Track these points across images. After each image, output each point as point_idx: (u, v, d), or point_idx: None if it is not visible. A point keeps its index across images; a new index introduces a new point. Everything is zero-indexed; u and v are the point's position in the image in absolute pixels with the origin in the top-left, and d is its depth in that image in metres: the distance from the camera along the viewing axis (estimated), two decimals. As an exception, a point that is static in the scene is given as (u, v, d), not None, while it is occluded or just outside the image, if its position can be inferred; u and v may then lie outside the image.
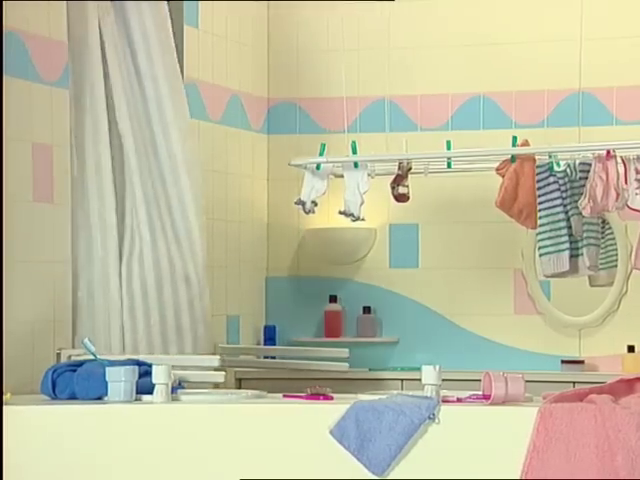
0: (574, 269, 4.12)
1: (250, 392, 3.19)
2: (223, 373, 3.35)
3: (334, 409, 2.88)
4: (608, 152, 3.86)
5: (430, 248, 5.10)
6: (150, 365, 3.08)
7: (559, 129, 4.84)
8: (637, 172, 3.85)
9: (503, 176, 4.04)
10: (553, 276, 4.21)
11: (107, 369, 3.05)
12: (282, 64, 5.19)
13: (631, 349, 4.76)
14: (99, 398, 3.07)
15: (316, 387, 3.15)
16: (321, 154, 4.10)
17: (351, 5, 5.02)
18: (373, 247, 5.14)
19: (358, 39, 5.08)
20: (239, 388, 4.53)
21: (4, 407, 3.00)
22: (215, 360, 3.43)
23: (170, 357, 3.55)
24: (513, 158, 3.99)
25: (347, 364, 4.61)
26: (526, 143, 4.05)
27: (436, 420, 2.79)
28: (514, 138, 4.02)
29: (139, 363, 3.12)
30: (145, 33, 3.91)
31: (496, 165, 4.03)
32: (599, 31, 4.85)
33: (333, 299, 5.14)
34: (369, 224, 5.01)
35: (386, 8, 5.04)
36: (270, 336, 5.09)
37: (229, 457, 2.92)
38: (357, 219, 4.10)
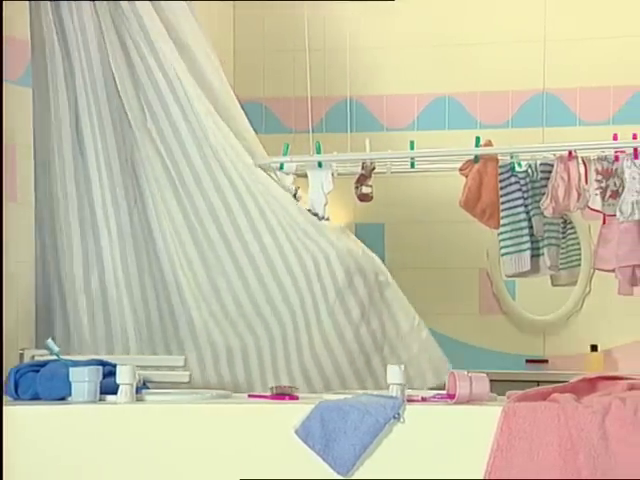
0: (535, 269, 4.15)
1: (215, 392, 3.18)
2: (188, 373, 3.34)
3: (299, 409, 2.88)
4: (570, 153, 3.90)
5: (396, 248, 5.11)
6: (114, 365, 3.06)
7: (523, 129, 4.88)
8: (597, 173, 3.88)
9: (466, 176, 4.07)
10: (514, 276, 4.24)
11: (70, 369, 3.03)
12: (248, 64, 5.18)
13: (594, 348, 4.80)
14: (62, 399, 3.05)
15: (282, 387, 3.15)
16: (285, 154, 4.11)
17: (317, 5, 5.02)
18: (338, 247, 5.14)
19: (324, 39, 5.08)
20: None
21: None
22: (180, 360, 3.42)
23: (134, 357, 3.53)
24: (476, 158, 4.01)
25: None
26: (489, 143, 4.07)
27: (401, 419, 2.80)
28: (477, 138, 4.05)
29: (103, 363, 3.10)
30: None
31: (459, 165, 4.05)
32: (563, 32, 4.89)
33: (299, 299, 5.12)
34: (335, 224, 5.02)
35: (352, 8, 5.06)
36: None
37: (193, 457, 2.91)
38: (322, 219, 4.11)
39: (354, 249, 3.88)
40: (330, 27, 5.08)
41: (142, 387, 3.11)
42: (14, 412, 2.98)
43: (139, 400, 3.03)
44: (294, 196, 3.95)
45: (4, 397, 3.08)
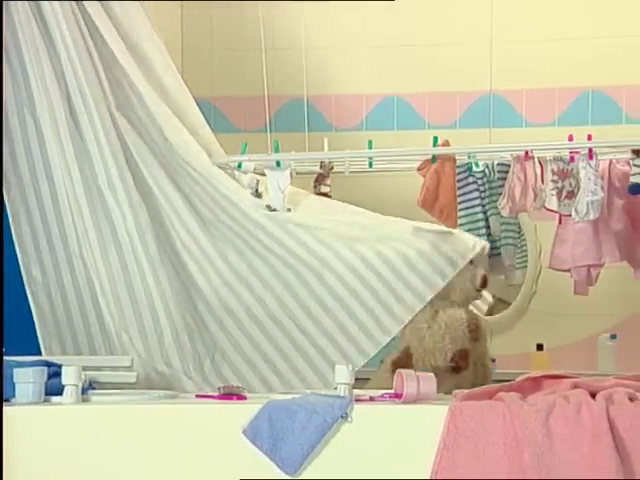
0: (492, 268, 4.18)
1: (163, 392, 3.17)
2: (135, 373, 3.32)
3: (247, 409, 2.87)
4: (526, 153, 3.93)
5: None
6: (60, 366, 3.03)
7: (471, 130, 4.91)
8: (553, 173, 3.92)
9: (424, 176, 4.09)
10: (472, 274, 4.27)
11: (14, 370, 2.99)
12: (196, 63, 5.15)
13: (540, 347, 4.85)
14: (6, 400, 3.01)
15: (229, 387, 3.14)
16: (243, 153, 4.10)
17: (266, 5, 5.02)
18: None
19: (273, 39, 5.08)
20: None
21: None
22: (127, 360, 3.39)
23: (80, 357, 3.50)
24: (434, 158, 4.03)
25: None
26: (447, 143, 4.10)
27: (349, 419, 2.80)
28: (435, 138, 4.07)
29: (48, 364, 3.07)
30: (63, 33, 3.84)
31: (414, 165, 4.07)
32: (509, 34, 4.94)
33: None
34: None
35: (302, 8, 5.06)
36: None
37: (139, 458, 2.89)
38: (281, 215, 4.10)
39: None
40: (277, 27, 5.08)
41: (88, 388, 3.08)
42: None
43: (85, 401, 3.00)
44: (256, 191, 3.94)
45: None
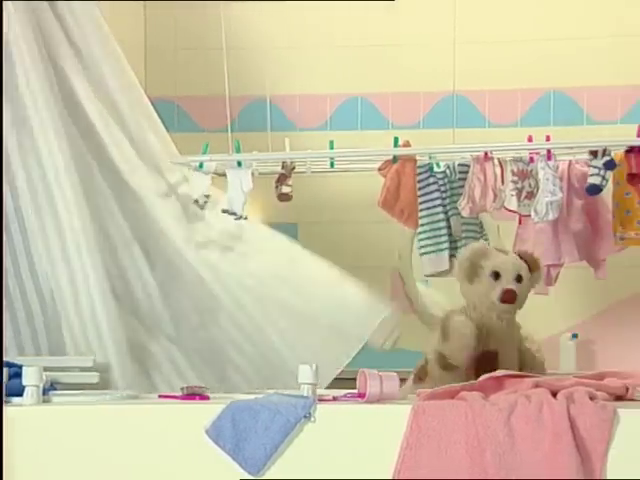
0: (453, 268, 4.20)
1: (125, 392, 3.15)
2: (97, 374, 3.30)
3: (210, 409, 2.86)
4: (486, 154, 3.95)
5: (309, 248, 5.11)
6: (20, 366, 3.01)
7: (434, 130, 4.93)
8: (513, 174, 3.94)
9: (385, 176, 4.10)
10: (433, 275, 4.29)
11: (-26, 372, 2.96)
12: (159, 62, 5.13)
13: (503, 347, 4.87)
14: (-32, 401, 2.98)
15: (192, 387, 3.13)
16: (204, 153, 4.09)
17: (229, 4, 5.01)
18: (253, 246, 5.14)
19: (236, 38, 5.07)
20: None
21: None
22: (89, 360, 3.37)
23: (42, 358, 3.47)
24: (395, 158, 4.04)
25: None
26: (407, 144, 4.11)
27: (312, 419, 2.81)
28: (396, 139, 4.08)
29: (9, 364, 3.04)
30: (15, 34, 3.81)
31: (376, 165, 4.08)
32: (472, 35, 4.96)
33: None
34: (249, 223, 5.00)
35: (266, 8, 5.05)
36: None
37: (101, 459, 2.88)
38: (240, 218, 4.10)
39: None
40: (240, 26, 5.07)
41: (49, 388, 3.06)
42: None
43: (46, 402, 2.98)
44: (197, 202, 3.94)
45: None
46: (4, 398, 2.93)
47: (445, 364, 3.16)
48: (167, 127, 5.08)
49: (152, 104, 4.91)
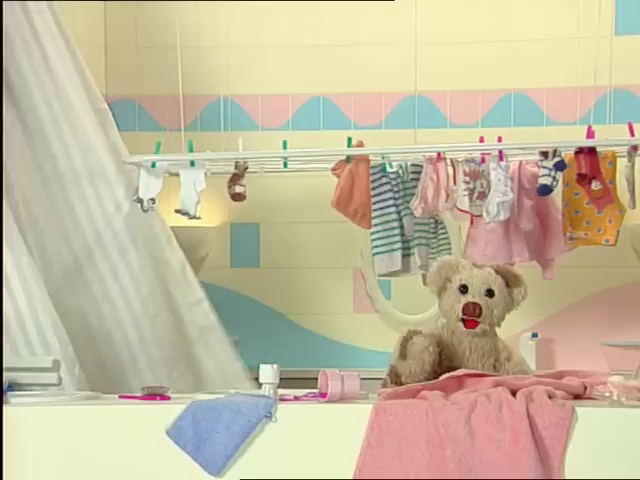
0: (406, 268, 4.21)
1: (85, 393, 3.13)
2: (56, 374, 3.28)
3: (171, 409, 2.85)
4: (439, 154, 3.97)
5: (271, 247, 5.12)
6: (-22, 368, 2.98)
7: (396, 131, 4.95)
8: (465, 174, 3.96)
9: (339, 176, 4.10)
10: (386, 275, 4.30)
11: None
12: (120, 61, 5.11)
13: (464, 346, 4.90)
14: None
15: (153, 387, 3.11)
16: (157, 152, 4.07)
17: (188, 5, 5.00)
18: (214, 246, 5.13)
19: (198, 37, 5.06)
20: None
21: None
22: (49, 361, 3.34)
23: (-1, 358, 3.43)
24: (348, 159, 4.05)
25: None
26: (360, 144, 4.12)
27: (273, 419, 2.81)
28: (349, 139, 4.09)
29: (-33, 365, 3.01)
30: None
31: (330, 166, 4.08)
32: (433, 36, 4.98)
33: (173, 298, 5.09)
34: (209, 223, 5.00)
35: (225, 7, 5.04)
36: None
37: (62, 460, 2.86)
38: (193, 217, 4.09)
39: None
40: (202, 25, 5.06)
41: (8, 389, 3.03)
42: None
43: (5, 403, 2.95)
44: (140, 202, 3.95)
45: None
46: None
47: (397, 381, 3.07)
48: (128, 126, 5.09)
49: (114, 103, 4.91)
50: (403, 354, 3.09)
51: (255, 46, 5.08)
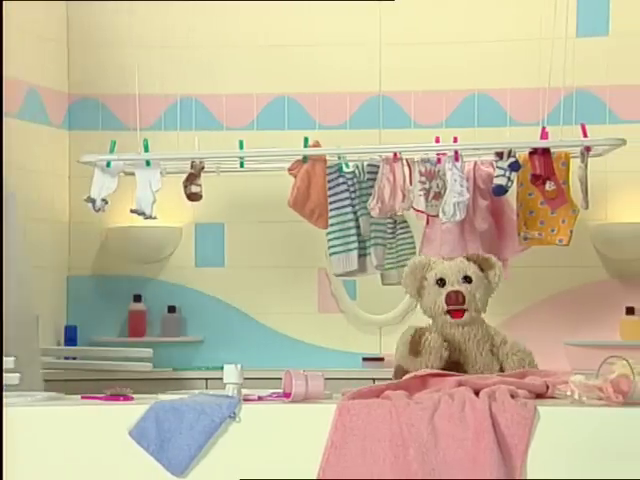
0: (362, 268, 4.22)
1: (47, 394, 3.10)
2: (18, 375, 3.25)
3: (134, 410, 2.84)
4: (395, 154, 3.97)
5: (236, 247, 5.11)
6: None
7: (361, 131, 4.95)
8: (421, 174, 3.97)
9: (296, 176, 4.10)
10: (342, 275, 4.30)
11: None
12: (84, 60, 5.08)
13: (428, 345, 4.91)
14: None
15: (116, 388, 3.09)
16: (111, 151, 4.05)
17: (150, 5, 4.98)
18: (178, 246, 5.12)
19: (161, 36, 5.04)
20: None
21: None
22: (10, 362, 3.32)
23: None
24: (305, 158, 4.05)
25: (150, 364, 4.57)
26: (317, 144, 4.12)
27: (237, 419, 2.80)
28: (305, 139, 4.09)
29: None
30: None
31: (287, 165, 4.08)
32: (398, 36, 5.00)
33: (137, 298, 5.08)
34: (174, 223, 4.98)
35: (193, 7, 5.03)
36: (71, 336, 4.98)
37: (24, 461, 2.84)
38: (149, 217, 4.07)
39: None
40: (167, 25, 5.04)
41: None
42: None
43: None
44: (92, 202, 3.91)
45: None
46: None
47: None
48: (91, 125, 5.07)
49: (77, 101, 4.89)
50: (415, 351, 3.09)
51: (220, 46, 5.07)
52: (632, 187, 4.86)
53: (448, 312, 3.16)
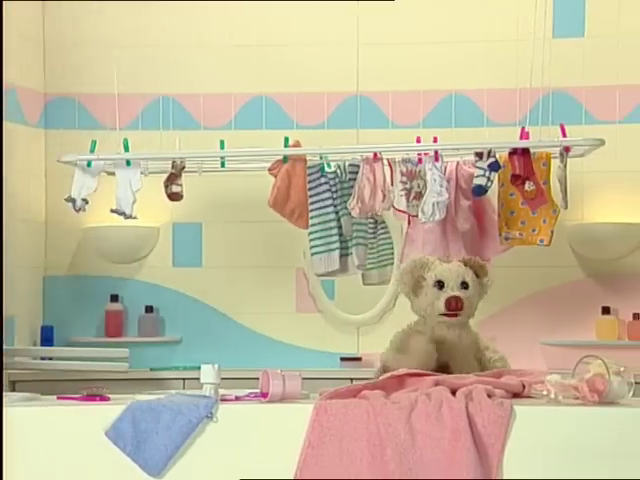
0: (344, 268, 4.22)
1: (22, 394, 3.09)
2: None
3: (110, 410, 2.83)
4: (375, 154, 3.98)
5: (213, 247, 5.10)
6: None
7: (339, 131, 4.96)
8: (402, 174, 3.98)
9: (276, 176, 4.10)
10: (324, 275, 4.30)
11: None
12: (61, 59, 5.05)
13: (406, 345, 4.92)
14: None
15: (92, 388, 3.08)
16: (92, 151, 4.03)
17: (127, 5, 4.97)
18: (156, 246, 5.10)
19: (140, 36, 5.03)
20: (13, 391, 4.39)
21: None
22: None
23: None
24: (285, 158, 4.04)
25: (127, 364, 4.56)
26: (297, 144, 4.12)
27: (214, 419, 2.80)
28: (286, 139, 4.09)
29: None
30: None
31: (268, 165, 4.08)
32: (375, 36, 5.00)
33: (114, 298, 5.06)
34: (152, 223, 4.97)
35: (170, 7, 5.02)
36: (47, 336, 4.96)
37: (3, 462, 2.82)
38: (129, 217, 4.06)
39: None
40: (142, 24, 5.02)
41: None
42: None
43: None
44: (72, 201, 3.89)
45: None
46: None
47: None
48: (67, 124, 5.04)
49: (53, 100, 4.86)
50: (402, 349, 3.11)
51: (199, 45, 5.06)
52: (608, 187, 4.89)
53: (444, 315, 3.18)
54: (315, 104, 5.01)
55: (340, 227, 4.13)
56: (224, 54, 5.05)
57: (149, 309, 5.07)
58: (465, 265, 3.26)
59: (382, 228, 4.32)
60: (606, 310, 4.89)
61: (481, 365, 3.21)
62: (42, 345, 4.94)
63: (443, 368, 3.14)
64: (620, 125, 4.86)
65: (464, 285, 3.21)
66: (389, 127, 4.99)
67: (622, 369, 2.79)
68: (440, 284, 3.20)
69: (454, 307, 3.16)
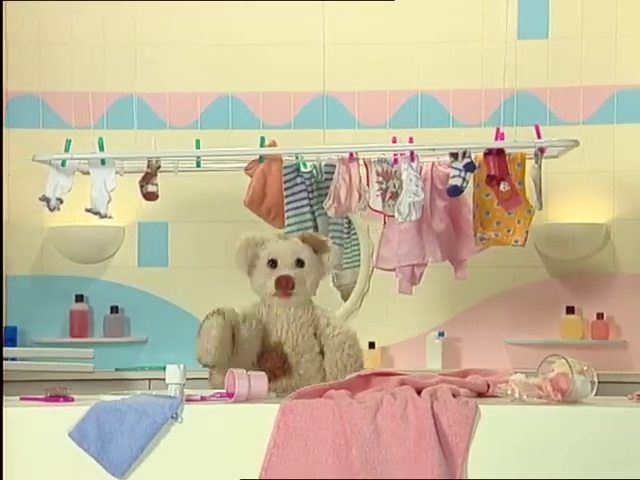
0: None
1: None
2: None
3: (74, 411, 2.81)
4: (351, 154, 3.98)
5: (179, 247, 5.09)
6: None
7: (305, 131, 4.96)
8: (378, 174, 3.98)
9: (251, 176, 4.09)
10: (298, 274, 4.29)
11: None
12: (22, 57, 5.01)
13: (372, 345, 4.93)
14: None
15: (56, 389, 3.06)
16: (67, 150, 4.00)
17: (92, 3, 4.94)
18: (121, 246, 5.08)
19: (104, 34, 5.00)
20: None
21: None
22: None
23: None
24: (261, 158, 4.04)
25: (92, 364, 4.53)
26: (274, 144, 4.11)
27: (179, 419, 2.79)
28: (262, 138, 4.07)
29: None
30: None
31: (243, 165, 4.07)
32: (341, 36, 5.01)
33: (79, 298, 5.03)
34: (117, 222, 4.94)
35: (137, 5, 5.00)
36: (10, 337, 4.92)
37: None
38: (104, 217, 4.03)
39: None
40: (108, 23, 5.00)
41: None
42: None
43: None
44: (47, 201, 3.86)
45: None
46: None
47: (202, 363, 3.12)
48: (31, 123, 5.00)
49: (15, 99, 4.82)
50: (198, 333, 3.15)
51: (164, 44, 5.05)
52: (572, 187, 4.92)
53: (276, 294, 3.20)
54: (282, 104, 5.01)
55: (316, 227, 4.13)
56: (190, 53, 5.04)
57: (114, 309, 5.05)
58: (303, 242, 3.25)
59: (353, 228, 4.32)
60: (570, 310, 4.93)
61: (320, 342, 3.23)
62: (5, 346, 4.89)
63: (276, 346, 3.17)
64: (584, 126, 4.90)
65: (299, 262, 3.20)
66: (356, 127, 4.99)
67: (585, 368, 2.81)
68: (273, 263, 3.21)
69: (284, 286, 3.15)
